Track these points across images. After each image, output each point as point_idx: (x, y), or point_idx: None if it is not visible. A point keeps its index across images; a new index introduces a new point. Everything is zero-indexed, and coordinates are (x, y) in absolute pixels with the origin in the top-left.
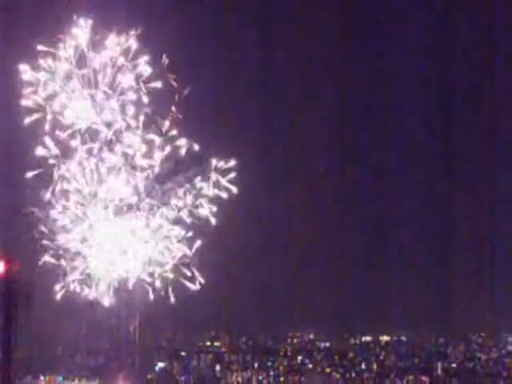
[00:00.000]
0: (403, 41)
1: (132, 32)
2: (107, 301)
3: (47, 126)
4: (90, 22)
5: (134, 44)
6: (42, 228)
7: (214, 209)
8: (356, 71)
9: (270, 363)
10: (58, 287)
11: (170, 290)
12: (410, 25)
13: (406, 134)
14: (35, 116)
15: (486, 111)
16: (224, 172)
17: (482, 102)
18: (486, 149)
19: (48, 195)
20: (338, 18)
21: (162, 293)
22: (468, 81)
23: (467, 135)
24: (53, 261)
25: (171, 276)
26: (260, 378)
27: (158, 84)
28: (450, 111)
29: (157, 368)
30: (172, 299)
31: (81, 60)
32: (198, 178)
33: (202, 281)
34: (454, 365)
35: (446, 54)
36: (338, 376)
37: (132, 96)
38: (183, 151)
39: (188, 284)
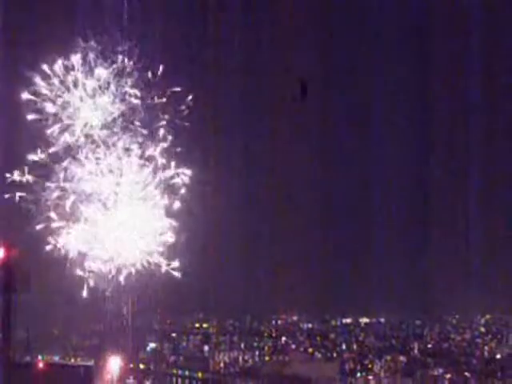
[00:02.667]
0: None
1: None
2: (104, 287)
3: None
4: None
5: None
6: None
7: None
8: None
9: (255, 344)
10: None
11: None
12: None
13: None
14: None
15: None
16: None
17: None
18: None
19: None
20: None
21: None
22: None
23: None
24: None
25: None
26: (246, 357)
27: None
28: None
29: (148, 348)
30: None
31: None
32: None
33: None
34: (429, 345)
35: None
36: (319, 355)
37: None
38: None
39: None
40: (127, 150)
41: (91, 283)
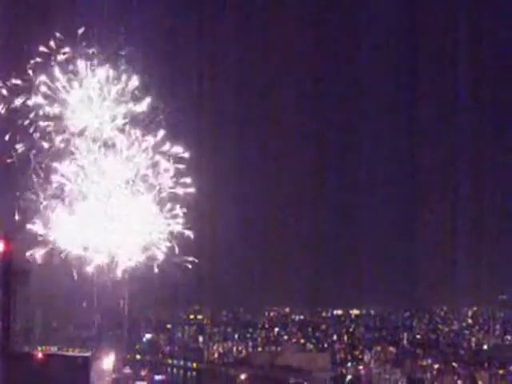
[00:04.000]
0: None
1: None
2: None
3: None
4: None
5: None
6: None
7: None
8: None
9: (248, 335)
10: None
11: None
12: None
13: None
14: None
15: None
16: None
17: None
18: None
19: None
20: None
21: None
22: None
23: None
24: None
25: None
26: (240, 348)
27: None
28: None
29: (144, 339)
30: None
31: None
32: None
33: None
34: (418, 336)
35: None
36: (311, 346)
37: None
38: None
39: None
40: (124, 150)
41: (89, 275)
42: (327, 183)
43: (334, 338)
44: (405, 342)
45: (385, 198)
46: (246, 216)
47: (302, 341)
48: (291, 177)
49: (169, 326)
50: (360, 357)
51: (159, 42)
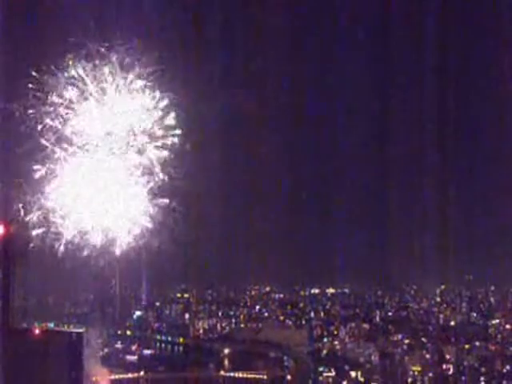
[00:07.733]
0: None
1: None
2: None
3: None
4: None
5: None
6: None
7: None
8: None
9: (231, 312)
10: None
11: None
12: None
13: None
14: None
15: None
16: None
17: None
18: None
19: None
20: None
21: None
22: None
23: None
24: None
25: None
26: (223, 324)
27: None
28: None
29: (134, 316)
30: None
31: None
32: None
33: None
34: (390, 313)
35: None
36: (290, 323)
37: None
38: None
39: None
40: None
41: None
42: (304, 172)
43: (312, 315)
44: (377, 318)
45: (356, 184)
46: (228, 200)
47: (282, 318)
48: (272, 163)
49: (157, 304)
50: (335, 333)
51: None
